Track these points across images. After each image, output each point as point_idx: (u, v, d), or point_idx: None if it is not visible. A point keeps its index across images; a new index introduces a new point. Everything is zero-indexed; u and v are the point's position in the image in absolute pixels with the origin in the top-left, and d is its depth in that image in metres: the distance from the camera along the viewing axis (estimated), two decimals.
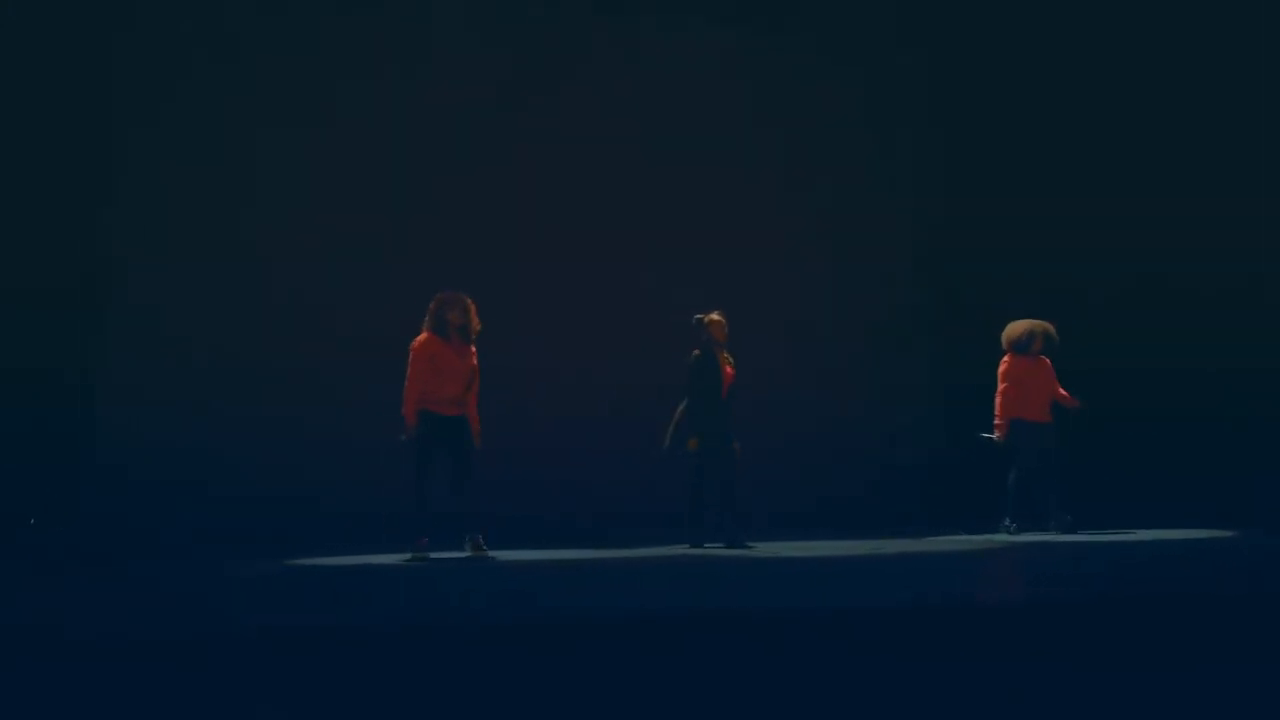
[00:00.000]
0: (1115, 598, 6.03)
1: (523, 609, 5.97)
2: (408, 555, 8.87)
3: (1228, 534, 9.91)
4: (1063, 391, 10.99)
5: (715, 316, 10.07)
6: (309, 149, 11.49)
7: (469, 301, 9.26)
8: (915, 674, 4.81)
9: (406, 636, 5.12)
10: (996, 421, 10.90)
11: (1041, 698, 4.63)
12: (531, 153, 11.94)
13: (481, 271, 10.48)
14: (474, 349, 9.32)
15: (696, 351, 10.00)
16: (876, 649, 5.04)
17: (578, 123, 12.05)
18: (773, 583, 7.14)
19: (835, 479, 12.05)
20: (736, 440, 9.98)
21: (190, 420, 10.92)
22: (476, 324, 9.26)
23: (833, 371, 12.43)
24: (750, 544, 9.58)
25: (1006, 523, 10.70)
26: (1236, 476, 11.57)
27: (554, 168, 11.99)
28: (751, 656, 4.94)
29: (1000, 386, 10.91)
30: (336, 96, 11.61)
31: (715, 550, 9.47)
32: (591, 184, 12.06)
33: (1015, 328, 11.06)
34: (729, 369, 10.06)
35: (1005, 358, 10.99)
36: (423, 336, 9.22)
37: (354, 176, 11.57)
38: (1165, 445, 11.85)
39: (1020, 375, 10.91)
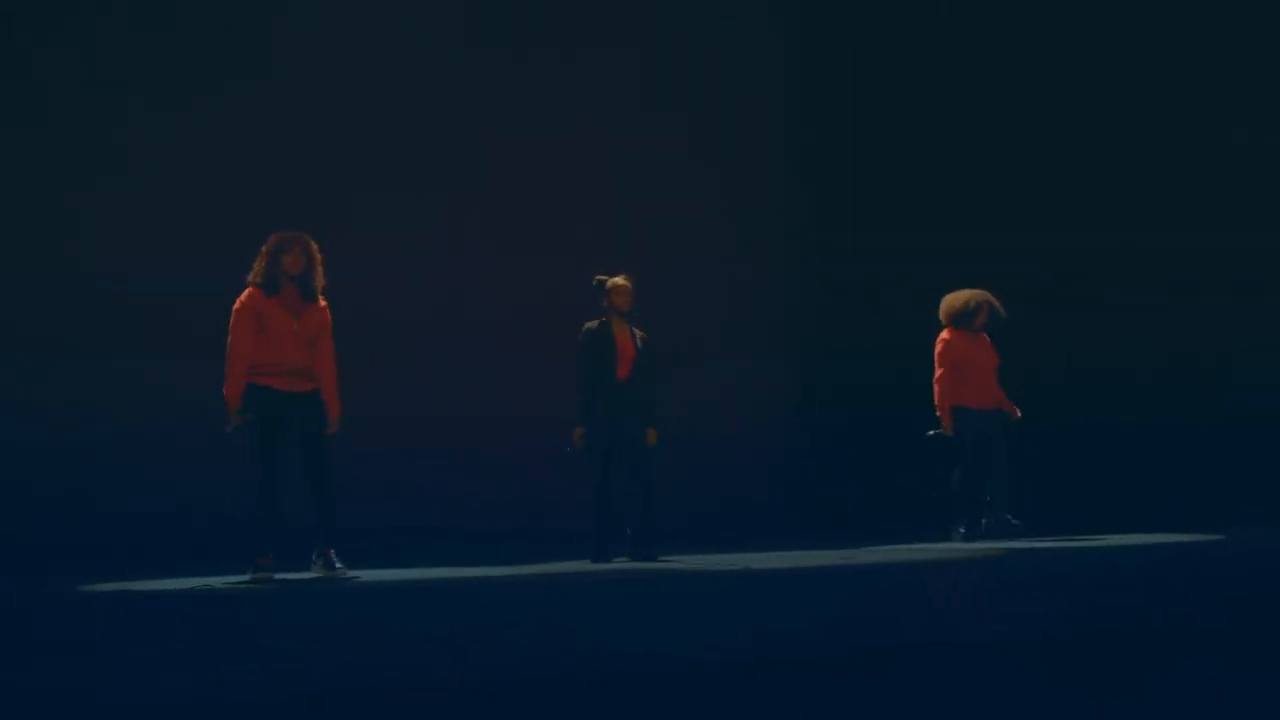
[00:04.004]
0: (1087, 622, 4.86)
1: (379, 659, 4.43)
2: (248, 576, 7.31)
3: (1212, 537, 8.73)
4: (1000, 392, 9.61)
5: (619, 280, 8.47)
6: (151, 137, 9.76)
7: (313, 245, 7.49)
8: None
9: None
10: (938, 412, 9.47)
11: None
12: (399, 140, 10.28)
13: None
14: (324, 304, 7.60)
15: (589, 323, 8.46)
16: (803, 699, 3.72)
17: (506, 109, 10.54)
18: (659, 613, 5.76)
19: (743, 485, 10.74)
20: (652, 427, 8.41)
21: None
22: (321, 276, 7.50)
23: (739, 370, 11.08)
24: (662, 557, 8.16)
25: (959, 529, 9.34)
26: (1207, 479, 10.21)
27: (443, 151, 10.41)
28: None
29: (937, 372, 9.47)
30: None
31: (620, 565, 8.05)
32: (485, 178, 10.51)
33: (955, 298, 9.58)
34: (630, 344, 8.47)
35: (942, 334, 9.54)
36: (245, 292, 7.48)
37: (201, 170, 9.78)
38: (1125, 444, 10.46)
39: (960, 355, 9.49)
